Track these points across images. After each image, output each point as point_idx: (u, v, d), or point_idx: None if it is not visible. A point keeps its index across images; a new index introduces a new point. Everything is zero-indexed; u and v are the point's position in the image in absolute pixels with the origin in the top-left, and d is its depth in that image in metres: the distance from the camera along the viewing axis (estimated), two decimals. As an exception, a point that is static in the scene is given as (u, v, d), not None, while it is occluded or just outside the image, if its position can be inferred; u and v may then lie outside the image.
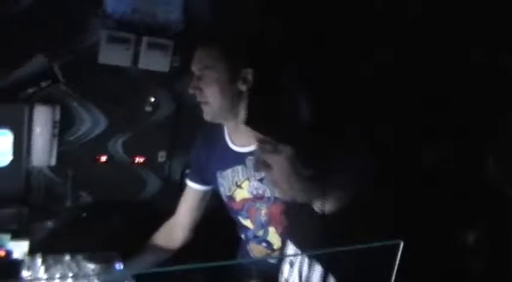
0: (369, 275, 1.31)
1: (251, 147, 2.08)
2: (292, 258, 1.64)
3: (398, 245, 1.04)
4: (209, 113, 2.10)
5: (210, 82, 2.04)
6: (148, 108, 2.76)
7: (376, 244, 1.11)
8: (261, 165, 1.46)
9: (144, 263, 2.34)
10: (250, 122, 1.46)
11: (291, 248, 1.68)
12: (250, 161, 2.11)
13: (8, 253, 1.99)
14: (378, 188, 1.49)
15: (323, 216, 1.51)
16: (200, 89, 2.07)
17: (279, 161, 1.41)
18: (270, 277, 1.79)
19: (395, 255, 1.06)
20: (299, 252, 1.63)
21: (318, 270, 1.50)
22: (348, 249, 1.24)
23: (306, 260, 1.56)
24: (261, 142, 1.43)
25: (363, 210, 1.44)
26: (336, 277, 1.44)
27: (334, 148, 1.39)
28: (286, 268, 1.66)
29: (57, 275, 2.00)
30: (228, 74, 2.03)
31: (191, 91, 2.10)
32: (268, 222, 2.16)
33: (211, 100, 2.06)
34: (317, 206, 1.54)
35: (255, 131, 1.43)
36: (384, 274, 1.11)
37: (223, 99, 2.05)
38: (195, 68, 2.09)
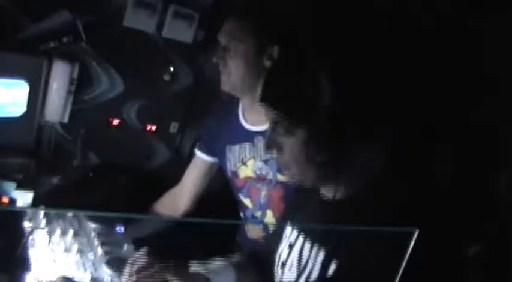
0: (376, 264, 1.29)
1: (261, 127, 2.07)
2: (291, 240, 1.62)
3: (413, 233, 1.02)
4: (228, 84, 2.09)
5: (235, 54, 2.02)
6: (166, 78, 2.75)
7: (390, 229, 1.09)
8: (272, 145, 1.44)
9: (146, 229, 2.33)
10: (267, 99, 1.44)
11: (289, 229, 1.67)
12: (258, 140, 2.10)
13: (12, 201, 1.99)
14: (390, 179, 1.47)
15: (330, 202, 1.50)
16: (224, 60, 2.05)
17: (291, 144, 1.40)
18: (265, 259, 1.78)
19: (407, 243, 1.04)
20: (298, 234, 1.61)
21: (320, 254, 1.48)
22: (362, 229, 1.23)
23: (307, 245, 1.54)
24: (274, 122, 1.41)
25: (372, 198, 1.42)
26: (339, 262, 1.42)
27: (350, 135, 1.37)
28: (284, 251, 1.65)
29: (58, 230, 1.99)
30: (255, 48, 2.01)
31: (215, 60, 2.08)
32: (267, 205, 2.15)
33: (233, 72, 2.04)
34: (324, 192, 1.53)
35: (270, 109, 1.41)
36: (392, 263, 1.09)
37: (246, 72, 2.03)
38: (222, 38, 2.07)
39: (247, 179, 2.18)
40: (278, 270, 1.66)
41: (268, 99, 1.44)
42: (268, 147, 1.47)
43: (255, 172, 2.14)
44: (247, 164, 2.15)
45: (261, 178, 2.13)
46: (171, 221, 2.44)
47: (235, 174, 2.22)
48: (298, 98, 1.37)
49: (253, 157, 2.13)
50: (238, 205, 2.29)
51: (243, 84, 2.06)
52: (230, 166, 2.22)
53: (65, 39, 2.44)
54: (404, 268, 1.12)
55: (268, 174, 2.10)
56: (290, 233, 1.65)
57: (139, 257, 1.60)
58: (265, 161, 2.10)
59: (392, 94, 1.44)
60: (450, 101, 2.24)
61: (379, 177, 1.45)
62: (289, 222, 1.68)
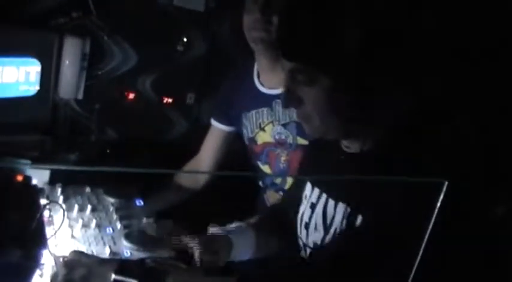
0: (403, 217, 1.24)
1: (279, 90, 2.01)
2: (313, 200, 1.58)
3: (442, 185, 0.97)
4: (267, 41, 1.94)
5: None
6: (180, 48, 2.70)
7: (420, 180, 1.04)
8: (292, 97, 1.38)
9: (166, 201, 2.31)
10: (284, 46, 1.37)
11: (309, 189, 1.62)
12: (276, 103, 2.05)
13: (27, 178, 1.96)
14: (417, 132, 1.40)
15: (355, 155, 1.44)
16: (271, 12, 1.89)
17: (313, 93, 1.34)
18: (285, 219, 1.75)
19: (437, 196, 0.99)
20: (320, 193, 1.56)
21: (345, 210, 1.44)
22: (392, 179, 1.18)
23: (331, 202, 1.50)
24: (294, 72, 1.35)
25: (397, 152, 1.36)
26: (365, 217, 1.37)
27: (376, 84, 1.31)
28: (306, 212, 1.60)
29: (76, 206, 1.97)
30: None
31: (255, 14, 1.93)
32: (287, 170, 2.11)
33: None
34: (348, 144, 1.47)
35: (289, 57, 1.35)
36: (421, 216, 1.04)
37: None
38: None
39: (266, 144, 2.14)
40: (302, 232, 1.62)
41: (286, 46, 1.37)
42: (288, 99, 1.41)
43: (273, 137, 2.09)
44: (266, 129, 2.11)
45: (280, 143, 2.08)
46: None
47: (253, 140, 2.17)
48: (320, 43, 1.31)
49: (272, 122, 2.08)
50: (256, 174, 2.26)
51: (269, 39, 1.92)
52: (247, 133, 2.18)
53: (74, 14, 2.41)
54: (434, 223, 1.06)
55: (288, 138, 2.05)
56: (311, 193, 1.61)
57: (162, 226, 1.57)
58: (285, 125, 2.05)
59: (421, 42, 1.38)
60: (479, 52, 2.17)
61: (407, 130, 1.40)
62: (309, 181, 1.64)
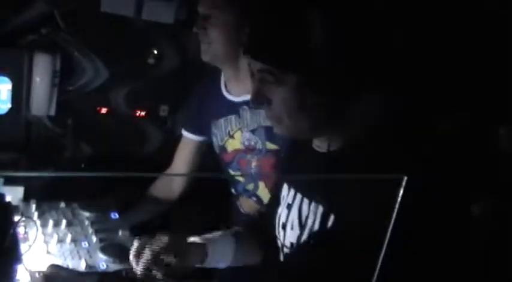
0: (371, 214, 1.25)
1: (246, 97, 2.03)
2: (289, 200, 1.59)
3: (401, 180, 0.99)
4: (208, 54, 2.05)
5: (216, 23, 1.99)
6: (151, 61, 2.71)
7: (379, 176, 1.06)
8: (260, 98, 1.39)
9: (141, 214, 2.32)
10: (251, 50, 1.39)
11: (285, 190, 1.64)
12: (244, 110, 2.08)
13: (0, 196, 1.96)
14: (387, 130, 1.42)
15: (324, 155, 1.46)
16: (205, 29, 2.01)
17: (281, 93, 1.35)
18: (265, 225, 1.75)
19: (397, 191, 1.00)
20: (295, 193, 1.57)
21: (318, 208, 1.45)
22: (352, 177, 1.20)
23: (306, 201, 1.51)
24: (261, 72, 1.36)
25: (368, 151, 1.38)
26: (337, 216, 1.39)
27: (343, 81, 1.32)
28: (283, 212, 1.61)
29: (51, 221, 1.97)
30: (235, 16, 1.97)
31: (195, 30, 2.04)
32: (258, 176, 2.13)
33: (214, 41, 2.01)
34: (318, 144, 1.49)
35: (255, 59, 1.36)
36: (386, 212, 1.06)
37: (227, 42, 2.00)
38: (202, 7, 2.03)
39: (236, 151, 2.15)
40: (279, 232, 1.63)
41: (252, 49, 1.39)
42: (256, 101, 1.41)
43: (243, 143, 2.11)
44: (235, 137, 2.12)
45: (250, 149, 2.10)
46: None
47: (223, 148, 2.19)
48: (285, 42, 1.32)
49: (240, 128, 2.10)
50: (228, 181, 2.26)
51: (224, 53, 2.02)
52: (217, 141, 2.20)
53: (43, 31, 2.41)
54: (404, 220, 1.08)
55: (257, 144, 2.07)
56: (287, 194, 1.62)
57: (140, 242, 1.55)
58: (253, 131, 2.07)
59: (387, 36, 1.40)
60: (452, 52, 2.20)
61: (376, 128, 1.41)
62: (285, 182, 1.65)
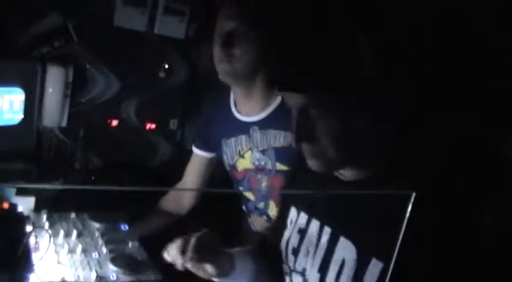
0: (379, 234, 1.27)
1: (256, 117, 2.05)
2: (302, 225, 1.58)
3: (410, 196, 1.01)
4: (229, 72, 1.95)
5: (243, 40, 1.89)
6: (162, 75, 2.74)
7: (388, 192, 1.07)
8: (303, 135, 1.35)
9: (151, 226, 2.33)
10: (291, 84, 1.33)
11: (294, 213, 1.64)
12: (254, 130, 2.07)
13: (13, 206, 1.98)
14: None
15: (348, 183, 1.45)
16: (232, 45, 1.91)
17: (327, 125, 1.32)
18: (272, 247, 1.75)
19: (406, 208, 1.02)
20: (310, 219, 1.58)
21: (327, 233, 1.46)
22: (359, 193, 1.21)
23: (316, 224, 1.52)
24: (302, 108, 1.33)
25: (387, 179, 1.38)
26: (347, 238, 1.40)
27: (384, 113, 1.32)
28: (294, 237, 1.60)
29: (62, 232, 1.99)
30: (264, 36, 1.89)
31: (221, 45, 1.93)
32: (269, 195, 2.13)
33: (238, 59, 1.91)
34: (344, 173, 1.48)
35: (298, 93, 1.32)
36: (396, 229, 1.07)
37: (253, 60, 1.92)
38: (228, 23, 1.92)
39: (246, 171, 2.15)
40: (289, 257, 1.62)
41: (292, 83, 1.33)
42: (299, 137, 1.35)
43: (253, 163, 2.11)
44: (245, 156, 2.13)
45: (260, 169, 2.10)
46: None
47: (233, 167, 2.19)
48: (329, 74, 1.29)
49: (250, 149, 2.10)
50: (240, 199, 2.27)
51: (247, 71, 1.95)
52: (228, 159, 2.20)
53: (57, 43, 2.44)
54: (412, 235, 1.09)
55: (267, 164, 2.07)
56: (297, 218, 1.61)
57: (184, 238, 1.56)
58: (263, 151, 2.07)
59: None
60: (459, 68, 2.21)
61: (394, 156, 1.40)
62: (293, 206, 1.65)
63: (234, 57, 1.91)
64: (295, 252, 1.59)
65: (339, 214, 1.44)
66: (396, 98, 1.34)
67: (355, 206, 1.38)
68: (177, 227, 2.40)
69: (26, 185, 2.19)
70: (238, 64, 1.92)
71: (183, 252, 1.52)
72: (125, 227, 2.15)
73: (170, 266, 1.61)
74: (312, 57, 1.31)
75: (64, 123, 2.53)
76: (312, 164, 1.40)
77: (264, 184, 2.11)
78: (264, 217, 2.18)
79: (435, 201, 1.25)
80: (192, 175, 2.41)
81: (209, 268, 1.52)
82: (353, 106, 1.29)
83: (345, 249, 1.41)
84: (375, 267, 1.33)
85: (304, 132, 1.34)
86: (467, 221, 1.35)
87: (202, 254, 1.53)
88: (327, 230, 1.48)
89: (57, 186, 2.39)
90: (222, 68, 1.96)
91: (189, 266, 1.51)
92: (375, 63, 1.28)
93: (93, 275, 1.78)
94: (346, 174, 1.45)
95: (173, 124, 2.86)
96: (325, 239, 1.48)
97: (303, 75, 1.32)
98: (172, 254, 1.54)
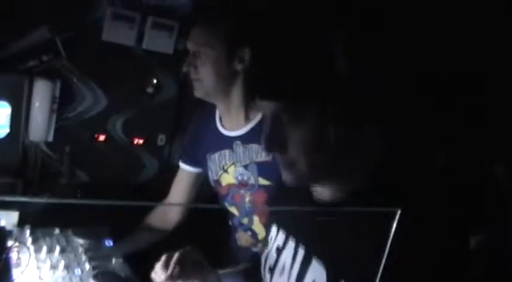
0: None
1: (239, 132, 2.07)
2: (279, 243, 1.55)
3: (395, 213, 0.99)
4: (200, 91, 2.06)
5: (205, 59, 2.00)
6: (150, 90, 2.72)
7: (373, 210, 1.05)
8: (275, 143, 1.30)
9: (136, 242, 2.31)
10: (262, 90, 1.30)
11: (274, 232, 1.60)
12: (237, 145, 2.08)
13: (-6, 221, 1.97)
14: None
15: (326, 202, 1.42)
16: (195, 66, 2.03)
17: (299, 135, 1.26)
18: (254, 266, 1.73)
19: (391, 225, 1.00)
20: (286, 237, 1.55)
21: (300, 254, 1.44)
22: (344, 210, 1.18)
23: (292, 244, 1.49)
24: (275, 116, 1.28)
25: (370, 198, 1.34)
26: (319, 260, 1.37)
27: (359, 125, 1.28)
28: (271, 255, 1.57)
29: (45, 247, 1.96)
30: (224, 52, 1.98)
31: (185, 68, 2.07)
32: (253, 211, 2.12)
33: (204, 78, 2.02)
34: (320, 192, 1.45)
35: (270, 100, 1.28)
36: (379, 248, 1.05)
37: (218, 78, 2.01)
38: (190, 45, 2.06)
39: (230, 186, 2.15)
40: (266, 275, 1.60)
41: (264, 90, 1.29)
42: (270, 146, 1.31)
43: (236, 178, 2.11)
44: (229, 171, 2.12)
45: (243, 184, 2.09)
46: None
47: (217, 182, 2.19)
48: (303, 80, 1.25)
49: (234, 163, 2.10)
50: (227, 214, 2.26)
51: (216, 89, 2.04)
52: (212, 175, 2.20)
53: (44, 57, 2.42)
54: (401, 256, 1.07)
55: (249, 179, 2.06)
56: (276, 235, 1.58)
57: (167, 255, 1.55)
58: (246, 166, 2.07)
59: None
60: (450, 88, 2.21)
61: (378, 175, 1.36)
62: (274, 224, 1.63)
63: (201, 77, 2.02)
64: (271, 271, 1.56)
65: (314, 235, 1.41)
66: (375, 110, 1.30)
67: (331, 227, 1.34)
68: (163, 244, 2.39)
69: (9, 198, 2.16)
70: (205, 83, 2.03)
71: (166, 267, 1.51)
72: (109, 243, 2.13)
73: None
74: (284, 63, 1.28)
75: (50, 138, 2.51)
76: (284, 176, 1.35)
77: (247, 199, 2.11)
78: (249, 233, 2.17)
79: (417, 221, 1.22)
80: (179, 190, 2.39)
81: None
82: (326, 116, 1.25)
83: (315, 272, 1.37)
84: None
85: (275, 140, 1.30)
86: (452, 244, 1.33)
87: (185, 270, 1.51)
88: (301, 251, 1.44)
89: (41, 199, 2.35)
90: (194, 87, 2.07)
91: None
92: (350, 69, 1.24)
93: (75, 292, 1.76)
94: (323, 193, 1.41)
95: (161, 140, 2.84)
96: (298, 259, 1.44)
97: (275, 81, 1.28)
98: (157, 271, 1.53)
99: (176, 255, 1.53)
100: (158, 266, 1.56)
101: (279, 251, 1.54)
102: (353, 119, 1.26)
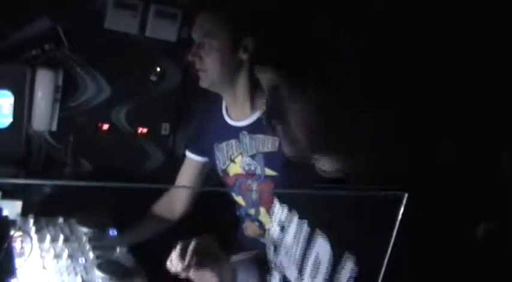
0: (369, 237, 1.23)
1: (246, 122, 2.07)
2: (283, 221, 1.55)
3: (402, 197, 0.97)
4: (206, 81, 2.06)
5: (210, 50, 2.00)
6: (153, 78, 2.70)
7: (379, 192, 1.04)
8: (274, 115, 1.30)
9: (141, 232, 2.30)
10: (266, 59, 1.29)
11: (278, 208, 1.59)
12: (244, 135, 2.07)
13: (-2, 210, 1.95)
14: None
15: (330, 178, 1.41)
16: (200, 57, 2.02)
17: (298, 108, 1.25)
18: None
19: (398, 208, 0.99)
20: (292, 213, 1.54)
21: (315, 231, 1.42)
22: (349, 193, 1.17)
23: (303, 223, 1.48)
24: (275, 86, 1.27)
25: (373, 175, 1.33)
26: (323, 235, 1.36)
27: (360, 99, 1.26)
28: (276, 231, 1.56)
29: (48, 237, 1.96)
30: (229, 42, 1.98)
31: (190, 58, 2.06)
32: (259, 201, 2.12)
33: (210, 68, 2.01)
34: (323, 167, 1.43)
35: (271, 69, 1.27)
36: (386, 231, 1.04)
37: (222, 67, 2.00)
38: (195, 35, 2.05)
39: (237, 176, 2.14)
40: (270, 253, 1.59)
41: (267, 58, 1.29)
42: (270, 117, 1.31)
43: (243, 168, 2.10)
44: (236, 161, 2.12)
45: (249, 174, 2.09)
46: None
47: (225, 172, 2.18)
48: (306, 51, 1.23)
49: (241, 153, 2.09)
50: (234, 204, 2.25)
51: (221, 79, 2.03)
52: (220, 164, 2.19)
53: (46, 47, 2.40)
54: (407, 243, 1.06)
55: (256, 169, 2.06)
56: (281, 213, 1.56)
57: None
58: (252, 156, 2.06)
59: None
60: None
61: (381, 151, 1.36)
62: (278, 201, 1.61)
63: (206, 67, 2.02)
64: (276, 247, 1.55)
65: (318, 210, 1.40)
66: (374, 90, 1.28)
67: (336, 202, 1.33)
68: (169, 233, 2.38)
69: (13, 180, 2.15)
70: (210, 73, 2.02)
71: (182, 257, 1.50)
72: (113, 233, 2.12)
73: (160, 274, 1.60)
74: (284, 33, 1.27)
75: (54, 128, 2.50)
76: (284, 147, 1.34)
77: (254, 190, 2.09)
78: (256, 223, 2.16)
79: (425, 204, 1.21)
80: (185, 180, 2.38)
81: (210, 277, 1.50)
82: (325, 89, 1.23)
83: (320, 247, 1.36)
84: (348, 266, 1.29)
85: (274, 111, 1.30)
86: (458, 228, 1.32)
87: (203, 260, 1.50)
88: (305, 226, 1.43)
89: (45, 182, 2.34)
90: (200, 77, 2.06)
91: (191, 273, 1.49)
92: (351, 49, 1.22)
93: (79, 281, 1.75)
94: (325, 166, 1.38)
95: (165, 129, 2.82)
96: (303, 235, 1.43)
97: (274, 49, 1.28)
98: (173, 260, 1.52)
99: (193, 244, 1.51)
100: (174, 255, 1.53)
101: (283, 227, 1.53)
102: (352, 96, 1.24)
